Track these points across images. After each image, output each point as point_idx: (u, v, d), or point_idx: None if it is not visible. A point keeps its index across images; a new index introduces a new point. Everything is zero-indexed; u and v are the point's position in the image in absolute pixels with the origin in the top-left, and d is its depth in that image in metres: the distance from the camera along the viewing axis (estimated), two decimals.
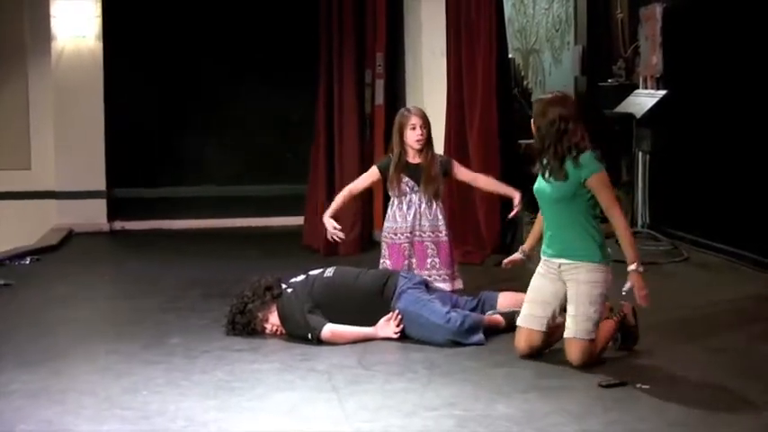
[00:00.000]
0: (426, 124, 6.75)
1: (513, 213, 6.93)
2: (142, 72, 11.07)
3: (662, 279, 7.43)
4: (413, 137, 6.70)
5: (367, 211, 9.52)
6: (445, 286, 6.64)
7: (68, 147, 10.76)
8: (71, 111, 10.73)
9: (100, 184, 10.86)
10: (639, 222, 9.84)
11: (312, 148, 9.89)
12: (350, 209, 9.28)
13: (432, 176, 6.72)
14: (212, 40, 11.21)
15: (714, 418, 4.70)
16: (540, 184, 5.64)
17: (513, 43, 13.29)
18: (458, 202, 8.71)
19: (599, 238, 5.54)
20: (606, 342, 5.62)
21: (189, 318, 6.73)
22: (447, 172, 6.85)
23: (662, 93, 9.70)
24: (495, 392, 5.05)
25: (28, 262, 8.91)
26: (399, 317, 6.07)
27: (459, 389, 5.13)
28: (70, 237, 10.33)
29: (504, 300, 6.38)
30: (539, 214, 5.81)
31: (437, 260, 6.74)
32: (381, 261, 6.80)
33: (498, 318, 6.22)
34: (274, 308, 6.15)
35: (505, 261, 6.07)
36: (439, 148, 7.72)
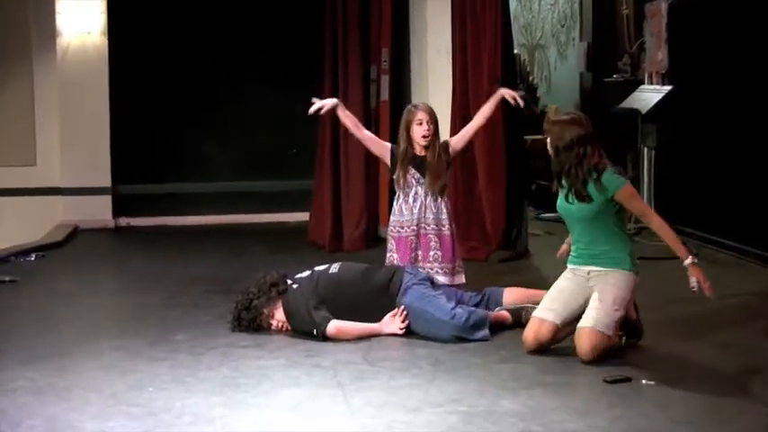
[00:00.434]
0: (433, 120, 6.72)
1: (517, 103, 6.88)
2: (147, 68, 11.05)
3: (667, 275, 7.41)
4: (419, 132, 6.67)
5: (372, 208, 9.51)
6: (445, 280, 6.61)
7: (74, 143, 10.74)
8: (76, 107, 10.72)
9: (105, 180, 10.84)
10: None
11: (318, 143, 9.89)
12: (355, 199, 9.31)
13: (438, 174, 6.70)
14: (216, 38, 11.17)
15: (719, 414, 4.70)
16: (563, 203, 5.65)
17: (518, 39, 13.28)
18: (463, 198, 8.71)
19: (628, 245, 5.59)
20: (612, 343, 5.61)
21: (194, 314, 6.73)
22: (449, 154, 6.80)
23: (667, 88, 9.68)
24: (499, 388, 5.06)
25: (33, 258, 8.90)
26: (405, 312, 6.07)
27: (464, 385, 5.14)
28: (75, 233, 10.33)
29: (510, 296, 6.38)
30: None
31: (439, 253, 6.71)
32: (388, 255, 6.77)
33: (505, 314, 6.22)
34: (280, 304, 6.15)
35: (558, 253, 6.01)
36: None
